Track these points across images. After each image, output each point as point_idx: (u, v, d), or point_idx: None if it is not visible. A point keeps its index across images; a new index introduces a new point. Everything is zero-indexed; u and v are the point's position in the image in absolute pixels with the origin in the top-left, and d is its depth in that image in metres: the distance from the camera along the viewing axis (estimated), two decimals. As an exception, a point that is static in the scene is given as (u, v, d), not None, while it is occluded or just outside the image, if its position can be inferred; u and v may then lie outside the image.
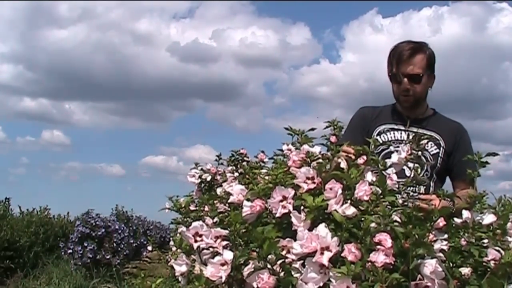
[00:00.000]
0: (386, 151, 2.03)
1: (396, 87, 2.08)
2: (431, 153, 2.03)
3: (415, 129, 2.07)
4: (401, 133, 2.10)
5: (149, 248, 5.76)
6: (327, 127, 1.91)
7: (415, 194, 1.94)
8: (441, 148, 2.05)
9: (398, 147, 1.98)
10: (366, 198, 1.17)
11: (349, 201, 1.17)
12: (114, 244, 7.28)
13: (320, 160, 1.35)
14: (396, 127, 2.12)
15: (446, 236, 1.25)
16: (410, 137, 2.06)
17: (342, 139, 1.50)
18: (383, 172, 1.37)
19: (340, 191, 1.16)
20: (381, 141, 2.07)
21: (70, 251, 7.15)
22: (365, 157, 1.39)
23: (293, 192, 1.23)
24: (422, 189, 1.98)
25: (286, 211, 1.21)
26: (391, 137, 2.10)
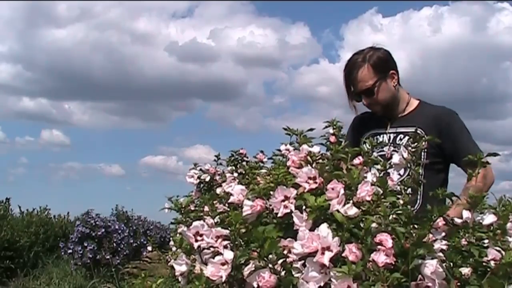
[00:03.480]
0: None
1: (362, 104, 2.11)
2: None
3: (392, 130, 2.08)
4: (382, 137, 2.10)
5: (149, 248, 5.77)
6: (326, 127, 1.91)
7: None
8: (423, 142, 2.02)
9: (381, 151, 1.98)
10: (368, 198, 1.17)
11: (351, 201, 1.17)
12: (114, 244, 7.29)
13: (321, 160, 1.35)
14: (378, 131, 2.13)
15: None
16: (391, 139, 2.06)
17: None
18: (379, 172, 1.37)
19: (342, 191, 1.16)
20: (366, 148, 2.07)
21: (70, 251, 7.16)
22: (360, 158, 1.39)
23: (295, 192, 1.23)
24: (409, 189, 1.95)
25: (288, 210, 1.21)
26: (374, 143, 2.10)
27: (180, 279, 1.32)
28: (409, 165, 1.42)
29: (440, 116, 2.07)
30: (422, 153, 1.98)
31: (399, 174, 1.38)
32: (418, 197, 1.90)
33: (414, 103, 2.14)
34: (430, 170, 2.00)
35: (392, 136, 2.09)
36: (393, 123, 2.11)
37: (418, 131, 2.00)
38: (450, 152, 2.00)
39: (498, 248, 1.18)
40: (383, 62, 2.07)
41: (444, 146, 1.99)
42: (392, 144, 2.06)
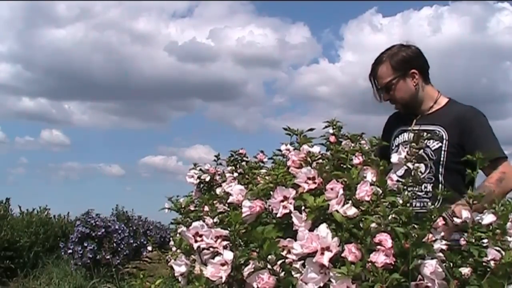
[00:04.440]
0: None
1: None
2: (433, 148, 2.00)
3: (416, 127, 2.09)
4: (408, 134, 2.12)
5: (149, 248, 5.76)
6: (326, 127, 1.92)
7: (421, 193, 1.94)
8: (444, 141, 2.01)
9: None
10: (367, 198, 1.17)
11: (350, 202, 1.17)
12: (114, 244, 7.28)
13: (321, 160, 1.35)
14: (405, 128, 2.15)
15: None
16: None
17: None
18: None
19: (341, 192, 1.16)
20: (395, 145, 2.12)
21: (70, 251, 7.15)
22: (360, 157, 1.39)
23: (294, 192, 1.23)
24: (429, 187, 1.96)
25: (287, 211, 1.21)
26: (400, 140, 2.14)
27: (180, 279, 1.32)
28: (407, 165, 1.42)
29: (463, 115, 2.06)
30: (442, 153, 2.00)
31: (420, 172, 1.39)
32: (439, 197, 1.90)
33: (443, 101, 2.15)
34: (450, 170, 1.99)
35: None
36: (418, 121, 2.13)
37: (439, 129, 2.02)
38: (469, 151, 1.99)
39: (497, 248, 1.18)
40: (405, 61, 2.11)
41: (465, 145, 1.98)
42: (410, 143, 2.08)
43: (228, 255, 1.16)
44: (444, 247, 1.21)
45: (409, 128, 2.12)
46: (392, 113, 2.29)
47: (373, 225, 1.13)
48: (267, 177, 1.42)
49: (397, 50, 2.12)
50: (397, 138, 2.15)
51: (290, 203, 1.22)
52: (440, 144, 2.01)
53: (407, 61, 2.11)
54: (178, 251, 1.37)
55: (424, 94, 2.13)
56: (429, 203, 1.88)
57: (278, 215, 1.22)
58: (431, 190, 1.94)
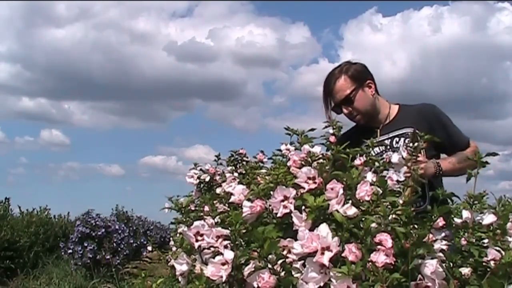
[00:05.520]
0: None
1: (344, 115, 2.18)
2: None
3: (385, 137, 2.13)
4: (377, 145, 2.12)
5: (149, 248, 5.76)
6: (326, 127, 1.95)
7: None
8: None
9: (381, 159, 1.99)
10: (367, 198, 1.17)
11: (350, 201, 1.17)
12: (114, 244, 7.28)
13: (321, 160, 1.35)
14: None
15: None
16: (385, 144, 2.10)
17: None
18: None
19: (341, 191, 1.17)
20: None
21: (70, 251, 7.15)
22: (362, 158, 1.40)
23: (294, 192, 1.23)
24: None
25: (288, 211, 1.21)
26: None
27: (180, 279, 1.32)
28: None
29: (425, 110, 2.14)
30: (422, 151, 2.01)
31: None
32: (427, 193, 1.91)
33: (395, 108, 2.21)
34: None
35: (387, 141, 2.11)
36: (383, 130, 2.16)
37: (409, 131, 2.04)
38: (442, 140, 2.02)
39: (498, 248, 1.18)
40: (360, 73, 2.17)
41: (438, 136, 2.01)
42: (390, 149, 2.08)
43: (229, 255, 1.16)
44: (444, 247, 1.21)
45: (377, 140, 2.11)
46: (343, 132, 2.23)
47: (373, 225, 1.13)
48: (267, 177, 1.42)
49: (348, 65, 2.18)
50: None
51: (291, 203, 1.22)
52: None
53: (362, 72, 2.18)
54: (179, 250, 1.37)
55: (379, 104, 2.19)
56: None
57: (279, 214, 1.22)
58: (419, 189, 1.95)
